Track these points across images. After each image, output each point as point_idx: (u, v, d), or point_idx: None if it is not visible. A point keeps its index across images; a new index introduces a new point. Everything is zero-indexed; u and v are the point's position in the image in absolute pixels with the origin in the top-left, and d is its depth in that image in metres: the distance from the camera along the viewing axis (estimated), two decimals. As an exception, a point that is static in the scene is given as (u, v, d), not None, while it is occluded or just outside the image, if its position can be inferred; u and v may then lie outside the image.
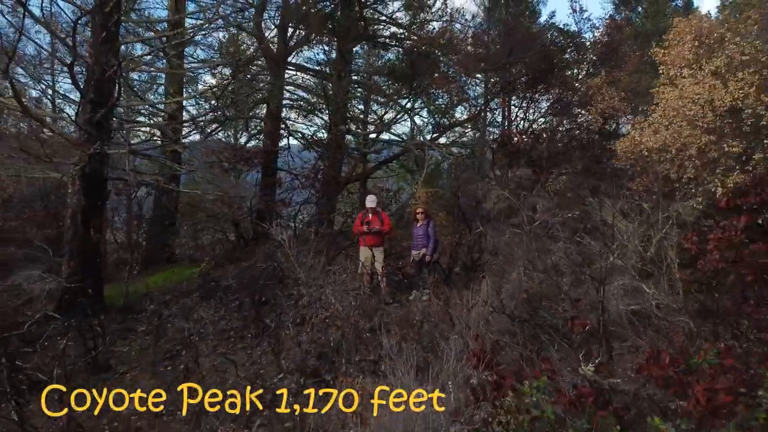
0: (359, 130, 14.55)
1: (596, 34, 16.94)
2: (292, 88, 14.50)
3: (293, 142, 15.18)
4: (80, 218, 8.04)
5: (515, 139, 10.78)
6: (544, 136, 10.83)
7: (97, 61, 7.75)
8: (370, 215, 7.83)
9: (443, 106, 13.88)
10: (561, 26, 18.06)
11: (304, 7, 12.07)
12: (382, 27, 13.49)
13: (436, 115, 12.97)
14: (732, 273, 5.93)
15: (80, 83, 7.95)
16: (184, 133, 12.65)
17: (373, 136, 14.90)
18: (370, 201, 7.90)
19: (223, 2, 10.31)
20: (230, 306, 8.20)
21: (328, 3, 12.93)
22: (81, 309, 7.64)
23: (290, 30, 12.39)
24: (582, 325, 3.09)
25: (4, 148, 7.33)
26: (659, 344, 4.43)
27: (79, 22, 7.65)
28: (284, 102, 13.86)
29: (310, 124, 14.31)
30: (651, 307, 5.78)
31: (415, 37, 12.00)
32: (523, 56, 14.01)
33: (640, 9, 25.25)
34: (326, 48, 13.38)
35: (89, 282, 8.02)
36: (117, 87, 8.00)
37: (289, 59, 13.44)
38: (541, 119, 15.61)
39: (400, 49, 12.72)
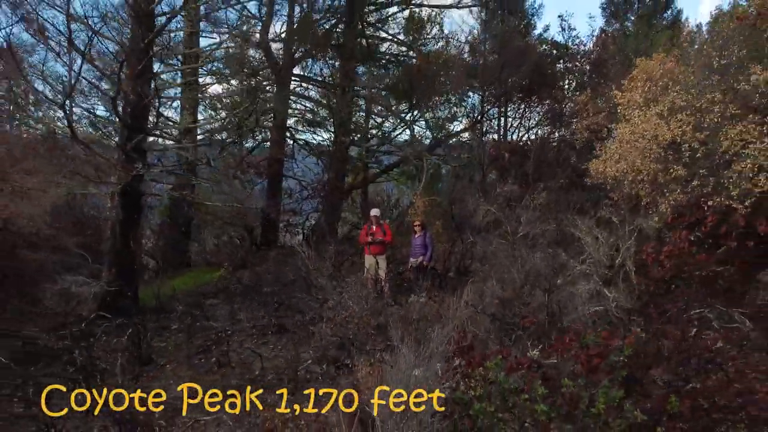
0: (362, 141, 15.62)
1: (586, 48, 18.09)
2: (298, 98, 15.62)
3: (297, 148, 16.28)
4: (119, 230, 9.15)
5: (506, 156, 11.88)
6: (533, 151, 11.89)
7: (134, 92, 8.86)
8: (374, 227, 8.93)
9: (441, 119, 14.96)
10: (554, 40, 19.29)
11: (308, 28, 13.18)
12: (383, 46, 14.59)
13: (434, 130, 14.04)
14: (680, 279, 7.09)
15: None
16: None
17: (374, 142, 16.04)
18: (375, 212, 9.01)
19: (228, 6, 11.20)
20: (253, 306, 9.31)
21: (331, 20, 14.00)
22: (122, 310, 8.77)
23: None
24: (530, 322, 4.18)
25: (58, 168, 8.42)
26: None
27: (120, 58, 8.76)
28: (290, 112, 14.97)
29: (314, 132, 15.39)
30: (611, 308, 6.90)
31: (414, 59, 13.09)
32: (516, 70, 15.18)
33: (629, 23, 26.36)
34: (331, 63, 14.49)
35: (127, 286, 9.15)
36: (153, 112, 9.11)
37: (295, 71, 14.56)
38: (534, 128, 16.81)
39: (401, 67, 13.81)
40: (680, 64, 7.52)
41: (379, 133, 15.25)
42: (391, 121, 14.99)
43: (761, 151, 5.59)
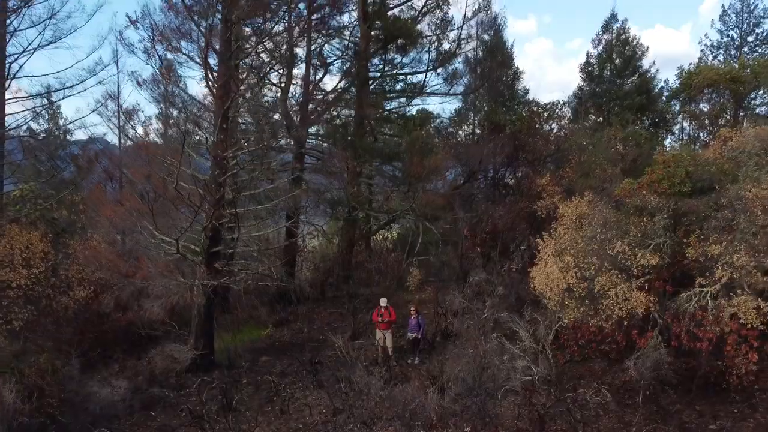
0: (369, 212, 19.44)
1: (554, 131, 21.99)
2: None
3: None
4: (203, 310, 13.01)
5: (478, 249, 15.80)
6: (500, 236, 15.79)
7: (215, 216, 12.70)
8: (383, 310, 12.80)
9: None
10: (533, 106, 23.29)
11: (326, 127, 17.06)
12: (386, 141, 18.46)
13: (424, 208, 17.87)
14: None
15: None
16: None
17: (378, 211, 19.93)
18: (383, 302, 12.88)
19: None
20: (295, 364, 13.16)
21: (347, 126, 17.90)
22: (205, 368, 12.65)
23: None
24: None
25: (161, 271, 12.26)
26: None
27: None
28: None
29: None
30: (535, 376, 10.78)
31: (410, 160, 16.92)
32: (500, 150, 19.06)
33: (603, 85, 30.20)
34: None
35: (208, 350, 13.03)
36: (231, 230, 12.96)
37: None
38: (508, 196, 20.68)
39: (401, 163, 17.67)
40: (590, 205, 11.37)
41: (383, 206, 19.05)
42: (393, 197, 18.82)
43: (618, 293, 9.47)
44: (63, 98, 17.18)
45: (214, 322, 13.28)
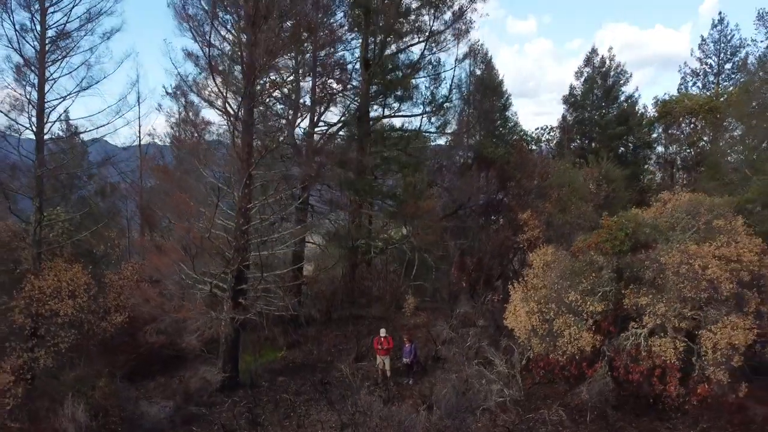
0: (369, 241, 21.76)
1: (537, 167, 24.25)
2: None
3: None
4: (230, 339, 15.32)
5: (463, 284, 18.14)
6: (483, 269, 18.14)
7: (237, 262, 15.01)
8: (382, 339, 15.12)
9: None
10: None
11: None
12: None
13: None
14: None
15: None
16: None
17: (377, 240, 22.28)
18: (383, 333, 15.20)
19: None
20: (307, 383, 15.48)
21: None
22: (231, 388, 14.98)
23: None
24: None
25: (197, 308, 14.58)
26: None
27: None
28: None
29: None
30: (507, 398, 13.12)
31: (405, 202, 19.22)
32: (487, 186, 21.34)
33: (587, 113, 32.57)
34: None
35: (234, 374, 15.37)
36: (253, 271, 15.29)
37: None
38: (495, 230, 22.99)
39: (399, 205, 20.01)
40: (553, 255, 13.69)
41: (383, 236, 21.40)
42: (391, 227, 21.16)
43: (571, 333, 11.80)
44: (93, 140, 19.45)
45: (239, 348, 15.61)
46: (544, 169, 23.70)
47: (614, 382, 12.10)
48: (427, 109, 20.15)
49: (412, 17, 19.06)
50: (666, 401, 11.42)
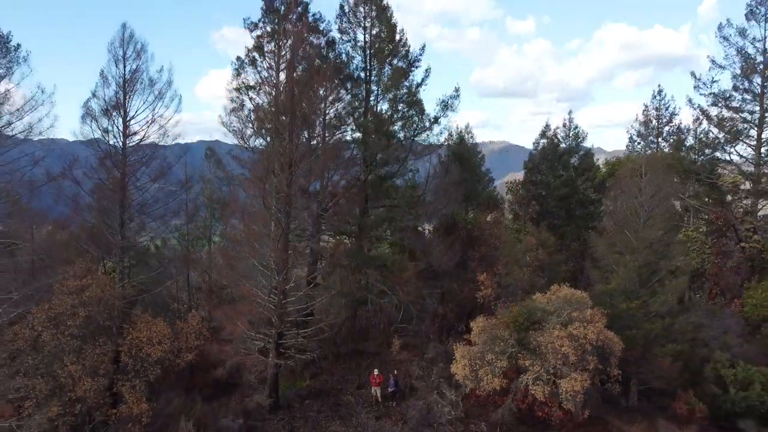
0: (367, 293, 29.45)
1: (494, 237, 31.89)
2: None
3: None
4: (273, 375, 22.99)
5: (430, 335, 25.81)
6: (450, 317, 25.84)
7: (280, 327, 22.70)
8: (376, 375, 22.82)
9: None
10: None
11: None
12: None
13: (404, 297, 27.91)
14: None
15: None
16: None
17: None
18: (376, 372, 22.89)
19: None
20: (325, 405, 23.16)
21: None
22: (274, 410, 22.67)
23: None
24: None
25: (254, 356, 22.30)
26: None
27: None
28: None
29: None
30: (453, 416, 20.90)
31: (392, 274, 26.86)
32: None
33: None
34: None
35: (276, 398, 23.08)
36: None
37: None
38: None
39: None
40: (486, 323, 21.41)
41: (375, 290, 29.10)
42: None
43: (487, 379, 19.47)
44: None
45: (279, 381, 23.32)
46: (497, 237, 31.38)
47: (516, 408, 19.84)
48: (406, 203, 27.93)
49: (394, 150, 26.87)
50: (542, 418, 19.16)
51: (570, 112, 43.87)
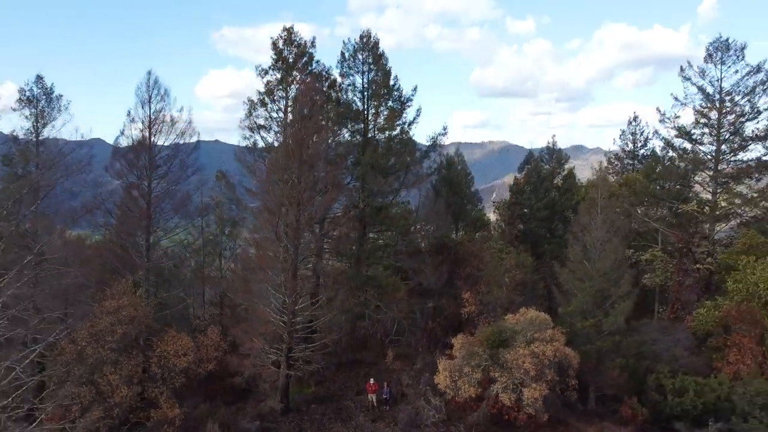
0: (365, 309, 33.28)
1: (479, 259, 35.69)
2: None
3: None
4: (284, 382, 26.76)
5: (418, 349, 29.61)
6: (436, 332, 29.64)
7: (289, 342, 26.50)
8: (372, 383, 26.61)
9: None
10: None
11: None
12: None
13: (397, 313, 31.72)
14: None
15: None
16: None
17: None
18: (371, 381, 26.69)
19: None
20: (328, 409, 26.93)
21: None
22: (285, 413, 26.45)
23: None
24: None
25: (267, 366, 26.10)
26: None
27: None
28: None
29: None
30: (437, 419, 24.74)
31: (386, 293, 30.67)
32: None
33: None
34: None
35: (286, 403, 26.87)
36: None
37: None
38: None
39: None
40: (465, 339, 25.19)
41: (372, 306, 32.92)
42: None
43: (464, 387, 23.25)
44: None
45: (289, 387, 27.11)
46: (480, 258, 35.15)
47: (489, 412, 23.66)
48: (399, 230, 31.76)
49: (391, 180, 30.65)
50: (510, 421, 22.95)
51: (554, 136, 47.77)
